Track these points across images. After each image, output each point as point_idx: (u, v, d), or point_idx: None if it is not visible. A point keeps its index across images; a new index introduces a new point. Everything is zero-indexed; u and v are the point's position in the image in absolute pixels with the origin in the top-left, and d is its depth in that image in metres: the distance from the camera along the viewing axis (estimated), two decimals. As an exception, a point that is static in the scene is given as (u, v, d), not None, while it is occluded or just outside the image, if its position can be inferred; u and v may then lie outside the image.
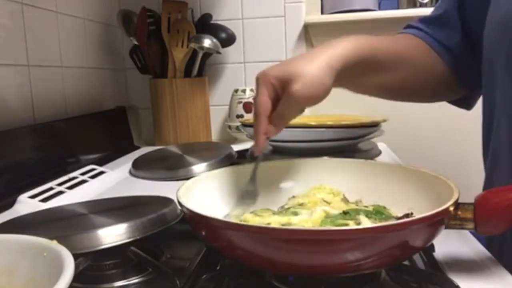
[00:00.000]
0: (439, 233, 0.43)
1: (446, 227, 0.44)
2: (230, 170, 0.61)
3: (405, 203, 0.52)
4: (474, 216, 0.44)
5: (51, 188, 0.76)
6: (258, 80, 0.52)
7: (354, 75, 0.58)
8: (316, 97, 0.51)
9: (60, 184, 0.79)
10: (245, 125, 0.91)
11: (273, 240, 0.39)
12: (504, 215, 0.43)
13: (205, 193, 0.55)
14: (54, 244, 0.34)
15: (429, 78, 0.67)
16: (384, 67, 0.62)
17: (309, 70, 0.50)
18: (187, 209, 0.44)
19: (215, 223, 0.42)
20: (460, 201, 0.44)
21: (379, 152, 0.92)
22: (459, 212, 0.44)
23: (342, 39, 0.57)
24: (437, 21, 0.68)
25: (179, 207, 0.47)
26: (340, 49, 0.54)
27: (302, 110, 0.55)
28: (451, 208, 0.42)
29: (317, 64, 0.51)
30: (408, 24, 0.72)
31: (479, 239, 0.54)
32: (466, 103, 0.74)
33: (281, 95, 0.51)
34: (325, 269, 0.40)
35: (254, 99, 0.53)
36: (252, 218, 0.51)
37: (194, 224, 0.45)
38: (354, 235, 0.38)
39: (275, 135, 0.53)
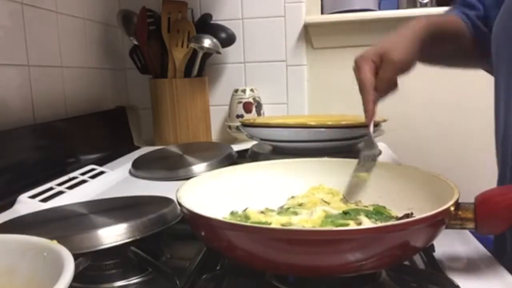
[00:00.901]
0: (439, 233, 0.43)
1: (447, 227, 0.44)
2: (230, 170, 0.61)
3: (405, 203, 0.52)
4: (474, 216, 0.44)
5: (51, 188, 0.76)
6: (358, 61, 0.61)
7: (426, 48, 0.67)
8: (410, 62, 0.62)
9: (60, 184, 0.78)
10: (245, 125, 0.91)
11: (272, 240, 0.39)
12: (504, 214, 0.43)
13: (205, 193, 0.54)
14: (54, 244, 0.34)
15: (466, 47, 0.75)
16: (446, 39, 0.72)
17: (401, 43, 0.62)
18: (187, 209, 0.44)
19: (214, 223, 0.42)
20: (460, 201, 0.44)
21: (379, 152, 0.92)
22: (460, 212, 0.44)
23: (416, 20, 0.67)
24: (465, 3, 0.77)
25: (179, 207, 0.47)
26: (418, 27, 0.65)
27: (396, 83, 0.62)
28: (452, 208, 0.42)
29: (405, 38, 0.63)
30: (450, 8, 0.80)
31: (479, 238, 0.54)
32: None
33: (380, 66, 0.61)
34: (324, 270, 0.40)
35: (357, 77, 0.61)
36: (255, 214, 0.51)
37: (194, 224, 0.45)
38: (355, 236, 0.38)
39: (379, 100, 0.61)
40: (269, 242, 0.39)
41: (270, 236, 0.39)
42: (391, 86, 0.61)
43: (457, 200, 0.44)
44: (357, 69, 0.61)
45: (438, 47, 0.73)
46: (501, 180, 0.66)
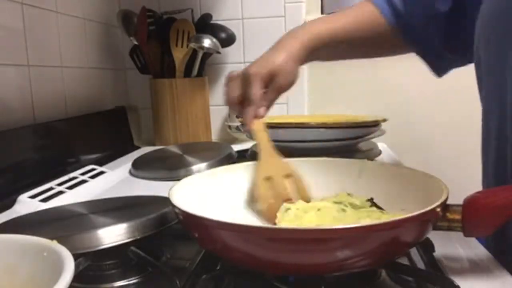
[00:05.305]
0: (426, 233, 0.43)
1: (434, 228, 0.43)
2: (226, 169, 0.60)
3: (399, 203, 0.51)
4: (462, 217, 0.44)
5: (51, 188, 0.76)
6: (250, 76, 0.64)
7: (319, 54, 0.72)
8: (293, 84, 0.67)
9: (60, 184, 0.78)
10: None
11: (261, 239, 0.38)
12: (491, 217, 0.43)
13: (200, 192, 0.54)
14: (54, 244, 0.34)
15: (375, 38, 0.76)
16: (342, 42, 0.73)
17: (289, 64, 0.66)
18: (179, 209, 0.43)
19: (205, 222, 0.41)
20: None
21: (379, 152, 0.92)
22: (448, 214, 0.44)
23: (304, 30, 0.71)
24: None
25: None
26: (305, 38, 0.69)
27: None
28: (438, 210, 0.41)
29: (292, 56, 0.67)
30: None
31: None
32: (433, 66, 0.77)
33: (269, 85, 0.65)
34: (309, 269, 0.40)
35: (247, 90, 0.64)
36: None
37: (186, 224, 0.45)
38: (340, 234, 0.37)
39: (265, 115, 0.65)
40: (256, 241, 0.39)
41: (256, 236, 0.38)
42: (274, 100, 0.67)
43: (444, 201, 0.43)
44: (249, 83, 0.64)
45: (336, 52, 0.77)
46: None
